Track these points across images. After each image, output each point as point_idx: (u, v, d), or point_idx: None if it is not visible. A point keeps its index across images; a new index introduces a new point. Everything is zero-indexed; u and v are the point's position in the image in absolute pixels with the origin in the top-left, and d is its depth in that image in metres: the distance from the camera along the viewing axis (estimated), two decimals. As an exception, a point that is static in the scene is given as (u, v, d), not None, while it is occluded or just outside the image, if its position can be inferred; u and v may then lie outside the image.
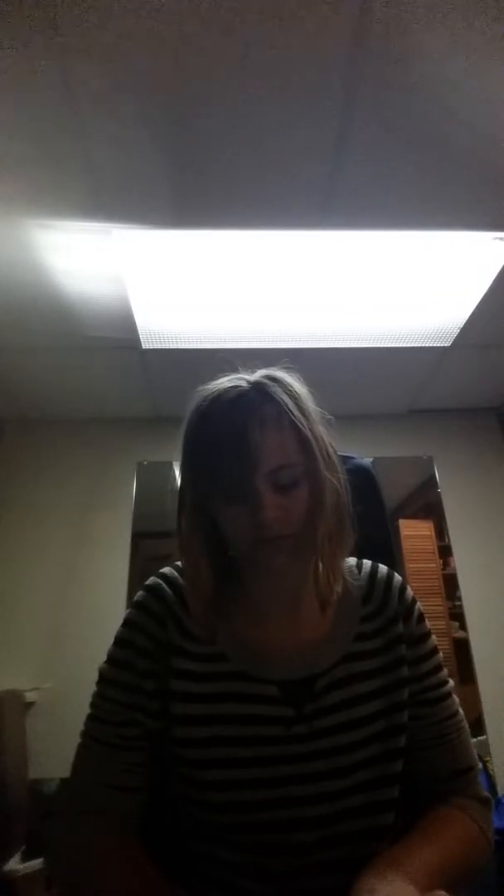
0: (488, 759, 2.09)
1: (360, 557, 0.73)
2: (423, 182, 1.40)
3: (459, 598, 2.38)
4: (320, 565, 0.62)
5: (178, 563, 0.69)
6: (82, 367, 2.18)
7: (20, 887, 1.58)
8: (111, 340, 1.99)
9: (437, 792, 0.66)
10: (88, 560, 2.36)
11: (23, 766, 1.91)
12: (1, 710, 1.87)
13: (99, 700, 0.63)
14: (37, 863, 1.64)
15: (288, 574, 0.61)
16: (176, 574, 0.68)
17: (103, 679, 0.64)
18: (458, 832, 0.61)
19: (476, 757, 0.68)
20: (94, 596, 2.27)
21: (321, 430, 0.62)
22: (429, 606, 2.42)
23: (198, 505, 0.61)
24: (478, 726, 2.16)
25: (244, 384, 0.62)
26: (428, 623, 0.70)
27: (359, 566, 0.72)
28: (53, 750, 1.82)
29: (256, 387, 0.61)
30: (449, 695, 0.68)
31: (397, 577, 0.71)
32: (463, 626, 2.34)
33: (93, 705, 0.63)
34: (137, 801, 0.61)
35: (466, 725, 0.69)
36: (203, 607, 0.63)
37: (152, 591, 0.66)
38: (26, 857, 1.68)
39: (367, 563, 0.72)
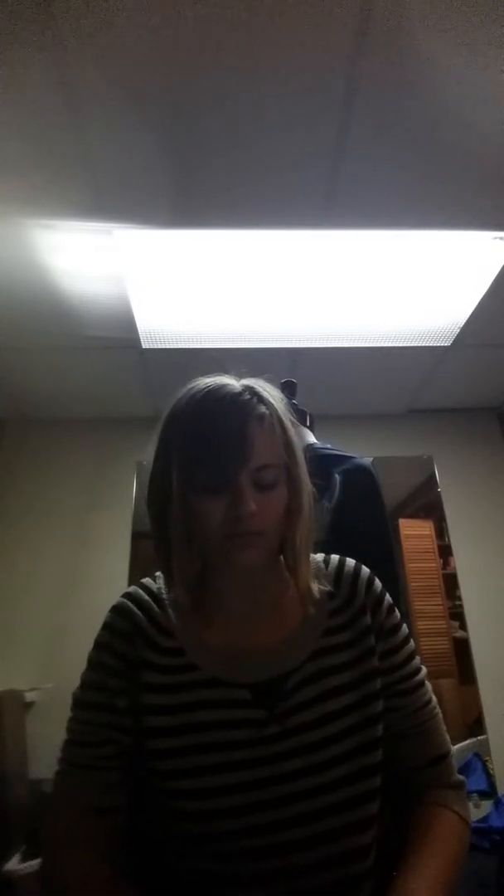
0: (488, 759, 2.09)
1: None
2: (424, 182, 1.40)
3: (459, 598, 2.38)
4: (301, 566, 0.64)
5: (144, 580, 0.71)
6: (82, 367, 2.18)
7: (20, 887, 1.58)
8: (111, 340, 1.99)
9: (415, 782, 0.66)
10: (88, 560, 2.36)
11: (23, 766, 1.91)
12: (1, 710, 1.87)
13: (74, 724, 0.64)
14: (37, 863, 1.64)
15: (254, 571, 0.63)
16: (141, 592, 0.69)
17: (77, 703, 0.64)
18: (449, 834, 0.62)
19: (449, 742, 0.69)
20: (94, 596, 2.24)
21: (297, 437, 0.66)
22: (429, 606, 2.43)
23: (183, 492, 0.61)
24: (478, 726, 2.16)
25: (236, 385, 0.64)
26: (398, 613, 0.71)
27: (326, 562, 0.72)
28: (53, 750, 1.81)
29: (249, 389, 0.64)
30: (422, 683, 0.69)
31: (365, 570, 0.72)
32: (463, 626, 2.34)
33: (69, 730, 0.64)
34: (117, 820, 0.61)
35: (440, 712, 0.69)
36: (191, 589, 0.63)
37: (118, 610, 0.67)
38: (26, 857, 1.68)
39: (334, 557, 0.73)
